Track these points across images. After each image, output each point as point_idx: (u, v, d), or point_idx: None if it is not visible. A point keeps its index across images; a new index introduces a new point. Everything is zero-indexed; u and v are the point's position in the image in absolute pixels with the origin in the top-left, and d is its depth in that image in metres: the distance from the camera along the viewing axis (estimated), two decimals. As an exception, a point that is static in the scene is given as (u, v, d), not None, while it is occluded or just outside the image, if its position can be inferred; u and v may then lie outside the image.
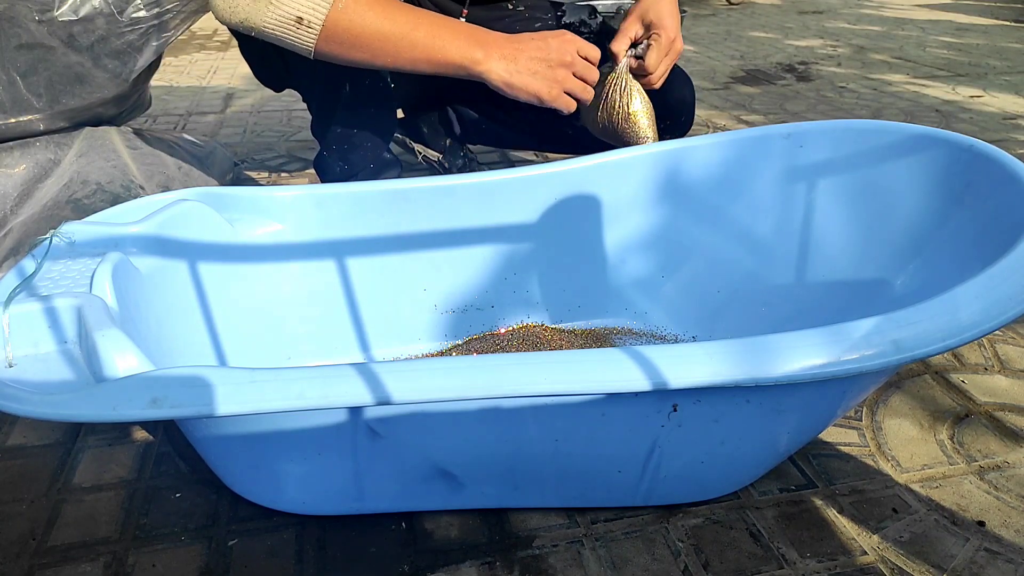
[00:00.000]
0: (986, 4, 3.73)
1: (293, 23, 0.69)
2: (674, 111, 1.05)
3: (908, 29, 3.09)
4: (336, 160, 0.98)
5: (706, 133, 1.55)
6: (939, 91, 2.08)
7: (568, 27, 1.06)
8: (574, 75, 0.84)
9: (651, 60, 0.90)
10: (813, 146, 0.82)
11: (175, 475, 0.69)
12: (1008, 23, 3.23)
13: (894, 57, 2.53)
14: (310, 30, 0.70)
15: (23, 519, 0.64)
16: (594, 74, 0.86)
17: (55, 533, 0.62)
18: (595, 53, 0.85)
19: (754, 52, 2.60)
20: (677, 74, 1.03)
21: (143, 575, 0.59)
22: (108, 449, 0.72)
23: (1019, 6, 3.58)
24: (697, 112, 1.84)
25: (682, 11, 1.90)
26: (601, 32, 1.08)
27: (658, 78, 0.93)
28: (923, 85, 2.15)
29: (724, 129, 1.71)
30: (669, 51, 0.92)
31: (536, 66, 0.81)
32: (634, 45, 0.93)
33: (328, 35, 0.72)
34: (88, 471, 0.69)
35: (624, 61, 0.92)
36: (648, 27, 0.91)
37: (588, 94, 0.86)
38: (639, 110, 0.92)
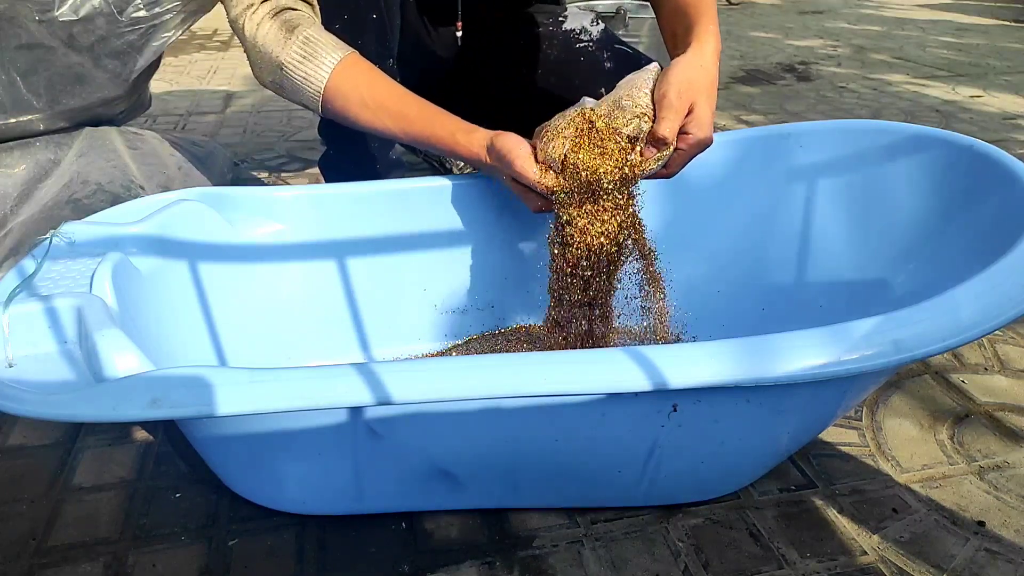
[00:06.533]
0: (986, 4, 3.72)
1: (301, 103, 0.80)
2: None
3: (908, 29, 3.09)
4: (343, 160, 0.98)
5: (706, 133, 1.54)
6: (939, 91, 2.08)
7: (569, 33, 1.04)
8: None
9: (672, 167, 0.71)
10: (813, 146, 0.82)
11: (175, 475, 0.69)
12: (1008, 23, 3.23)
13: (894, 57, 2.53)
14: (312, 107, 0.79)
15: (23, 519, 0.64)
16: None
17: (55, 533, 0.62)
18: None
19: (754, 52, 2.60)
20: None
21: (143, 575, 0.59)
22: (108, 449, 0.72)
23: (1019, 6, 3.58)
24: (697, 112, 1.84)
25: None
26: (602, 41, 1.02)
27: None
28: (923, 85, 2.15)
29: (724, 129, 1.70)
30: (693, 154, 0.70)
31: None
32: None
33: (326, 112, 0.79)
34: (88, 471, 0.69)
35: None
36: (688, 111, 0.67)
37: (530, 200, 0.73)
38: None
